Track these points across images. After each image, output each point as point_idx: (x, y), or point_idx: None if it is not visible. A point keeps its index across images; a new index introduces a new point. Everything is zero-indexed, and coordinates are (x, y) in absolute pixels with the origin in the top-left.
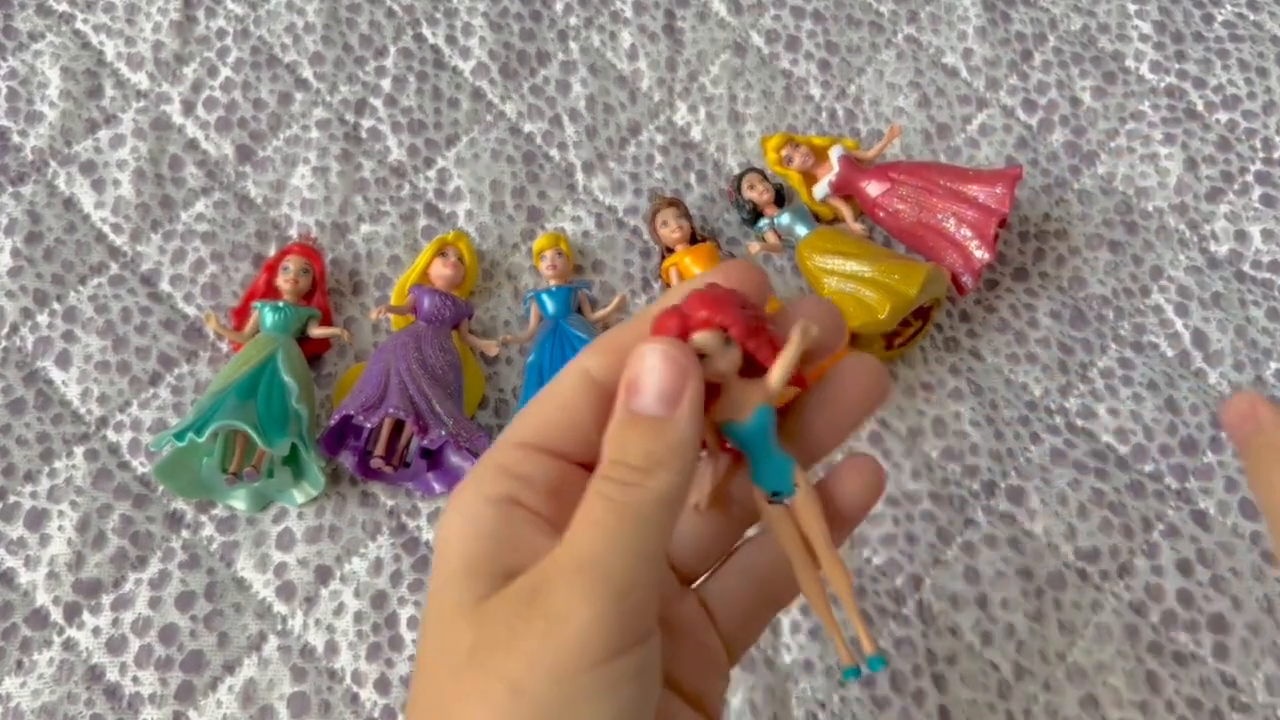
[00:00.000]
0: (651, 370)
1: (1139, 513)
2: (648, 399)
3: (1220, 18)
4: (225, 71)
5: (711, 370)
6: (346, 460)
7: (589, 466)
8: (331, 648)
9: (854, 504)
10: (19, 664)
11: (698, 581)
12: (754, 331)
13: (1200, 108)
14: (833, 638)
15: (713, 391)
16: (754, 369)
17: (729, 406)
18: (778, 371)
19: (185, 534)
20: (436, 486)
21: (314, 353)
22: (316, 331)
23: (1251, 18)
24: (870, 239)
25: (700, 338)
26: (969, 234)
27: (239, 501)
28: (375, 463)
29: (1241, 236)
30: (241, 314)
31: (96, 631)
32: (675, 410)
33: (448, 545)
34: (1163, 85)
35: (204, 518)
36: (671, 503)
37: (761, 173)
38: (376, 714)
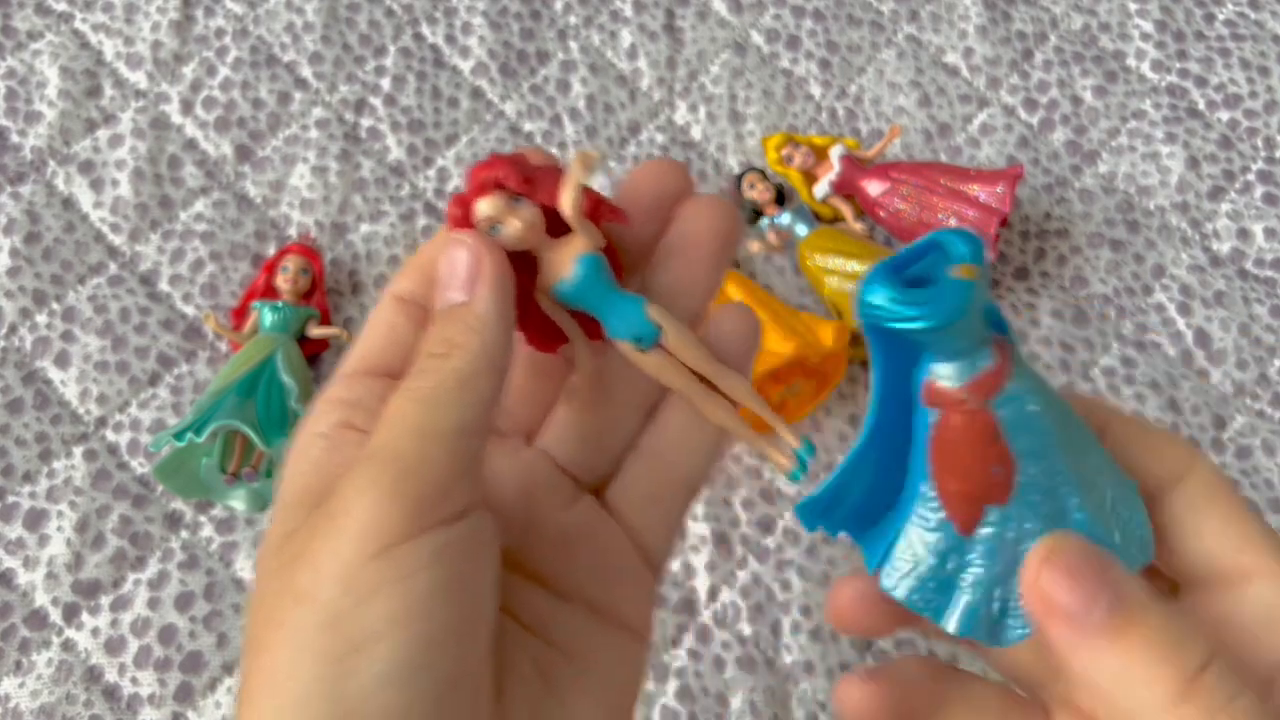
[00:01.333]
0: (445, 263)
1: None
2: (449, 291)
3: (1221, 16)
4: (224, 71)
5: (512, 237)
6: None
7: None
8: None
9: (732, 352)
10: (18, 664)
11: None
12: (532, 178)
13: (1202, 106)
14: (763, 451)
15: (534, 265)
16: (566, 230)
17: (551, 272)
18: (564, 198)
19: (184, 534)
20: None
21: (313, 353)
22: (315, 331)
23: (1253, 16)
24: (871, 238)
25: (483, 206)
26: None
27: (238, 502)
28: None
29: (1244, 235)
30: (240, 314)
31: (95, 632)
32: (472, 291)
33: (280, 486)
34: (1164, 84)
35: (203, 518)
36: (468, 381)
37: (762, 172)
38: None
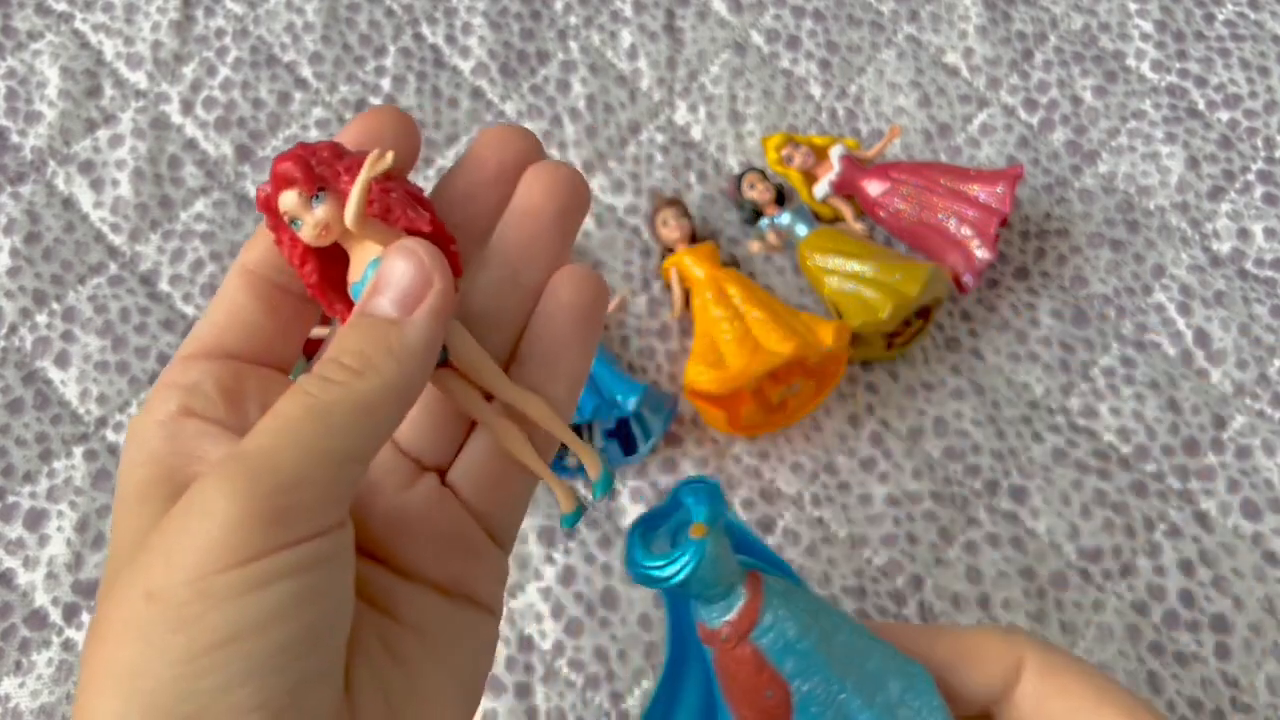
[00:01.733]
0: (393, 270)
1: (1141, 513)
2: (383, 300)
3: (1221, 17)
4: (224, 71)
5: (308, 235)
6: None
7: (281, 369)
8: None
9: (569, 323)
10: (18, 665)
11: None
12: (323, 175)
13: (1202, 106)
14: (549, 483)
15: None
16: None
17: (353, 271)
18: (349, 206)
19: None
20: None
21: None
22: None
23: (1253, 17)
24: (871, 239)
25: (282, 201)
26: (970, 233)
27: None
28: None
29: (1244, 235)
30: None
31: None
32: (410, 314)
33: (119, 477)
34: (1164, 84)
35: None
36: (374, 409)
37: (762, 172)
38: None
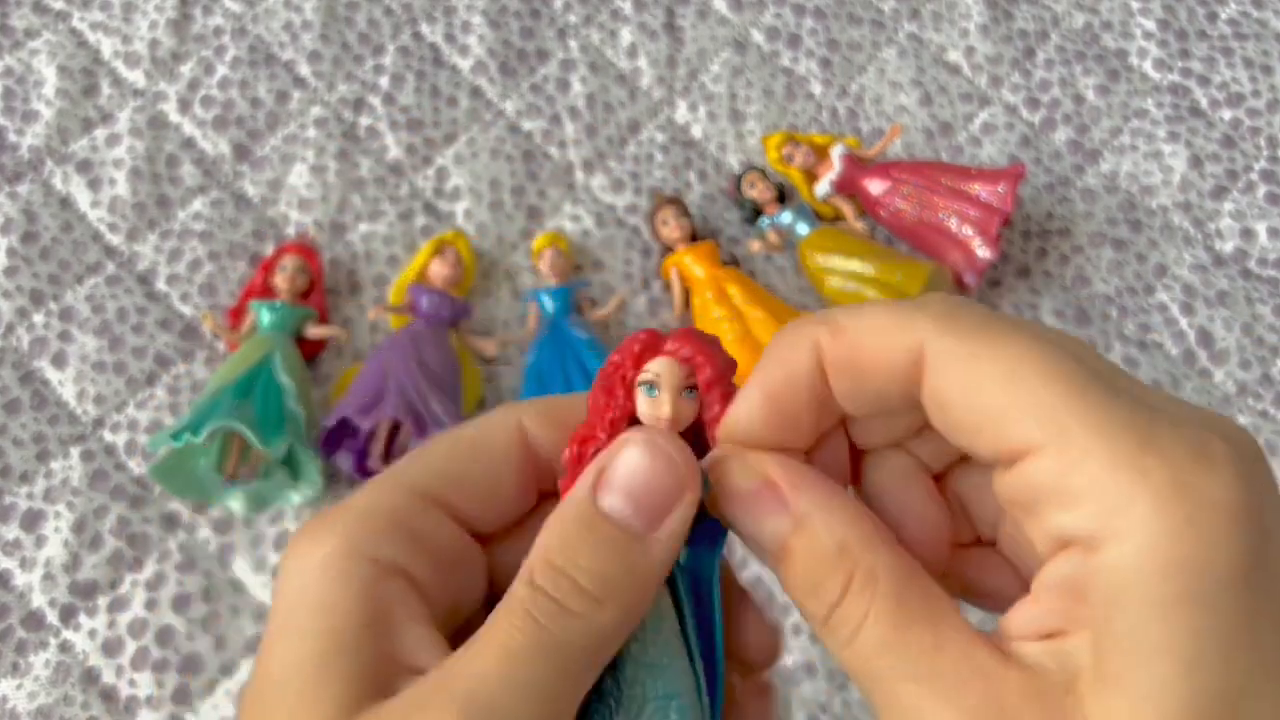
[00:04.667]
0: (637, 464)
1: None
2: (622, 502)
3: (1224, 15)
4: (222, 69)
5: (664, 411)
6: (344, 461)
7: (482, 541)
8: None
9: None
10: (15, 666)
11: None
12: (717, 386)
13: (1204, 105)
14: None
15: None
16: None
17: None
18: (730, 422)
19: (182, 535)
20: None
21: (311, 353)
22: (313, 331)
23: (1255, 15)
24: (872, 238)
25: (660, 364)
26: (972, 232)
27: (235, 503)
28: (373, 463)
29: (1247, 234)
30: (238, 314)
31: (93, 634)
32: (656, 529)
33: (299, 609)
34: (1166, 83)
35: (201, 519)
36: (608, 646)
37: (763, 171)
38: None
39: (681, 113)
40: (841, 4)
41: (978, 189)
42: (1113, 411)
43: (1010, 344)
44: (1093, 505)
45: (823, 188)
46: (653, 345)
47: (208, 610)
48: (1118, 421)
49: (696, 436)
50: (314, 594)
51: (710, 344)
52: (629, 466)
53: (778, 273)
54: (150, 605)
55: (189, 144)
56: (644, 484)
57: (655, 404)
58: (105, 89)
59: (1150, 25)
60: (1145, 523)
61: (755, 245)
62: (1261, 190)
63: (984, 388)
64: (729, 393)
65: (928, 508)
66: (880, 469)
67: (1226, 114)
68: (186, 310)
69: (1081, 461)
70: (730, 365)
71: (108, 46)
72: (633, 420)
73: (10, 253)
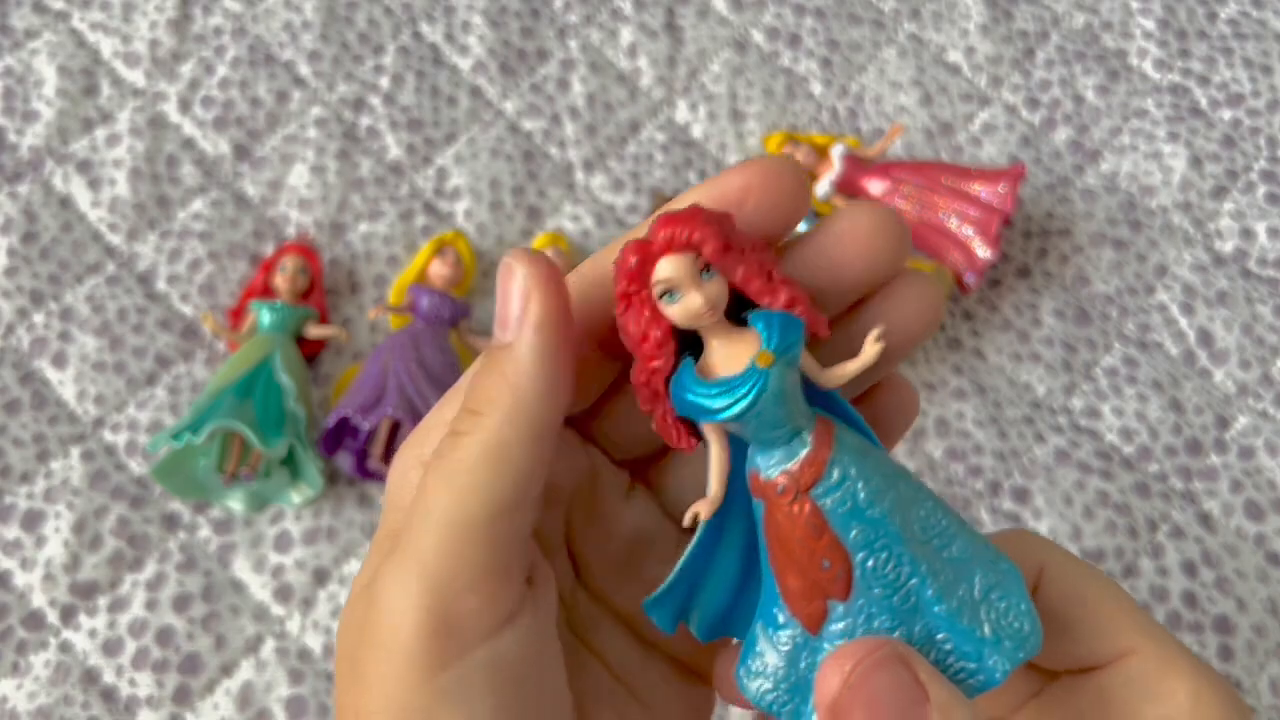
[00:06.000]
0: (499, 289)
1: (1144, 514)
2: (498, 326)
3: (1224, 15)
4: (222, 69)
5: (686, 313)
6: (344, 461)
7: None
8: (329, 650)
9: (887, 428)
10: (15, 666)
11: None
12: (733, 249)
13: (1204, 105)
14: None
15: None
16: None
17: (716, 363)
18: (830, 376)
19: (182, 535)
20: None
21: (311, 352)
22: (314, 331)
23: (1255, 15)
24: None
25: (665, 267)
26: (972, 233)
27: (236, 502)
28: (373, 463)
29: (1246, 234)
30: (238, 314)
31: (93, 634)
32: (512, 332)
33: (383, 513)
34: (1166, 83)
35: (201, 519)
36: (497, 452)
37: None
38: None
39: (682, 112)
40: (842, 4)
41: (978, 189)
42: (1167, 632)
43: (1118, 590)
44: (1183, 697)
45: (823, 188)
46: (645, 252)
47: (208, 610)
48: (1174, 640)
49: (742, 303)
50: (390, 493)
51: (694, 217)
52: (498, 292)
53: None
54: (150, 605)
55: (189, 144)
56: (503, 296)
57: (686, 306)
58: (105, 89)
59: (1150, 25)
60: (1222, 714)
61: None
62: (1261, 190)
63: (1101, 600)
64: (740, 246)
65: None
66: None
67: (1226, 114)
68: (187, 310)
69: (1174, 662)
70: (726, 219)
71: (108, 46)
72: (675, 330)
73: (10, 253)
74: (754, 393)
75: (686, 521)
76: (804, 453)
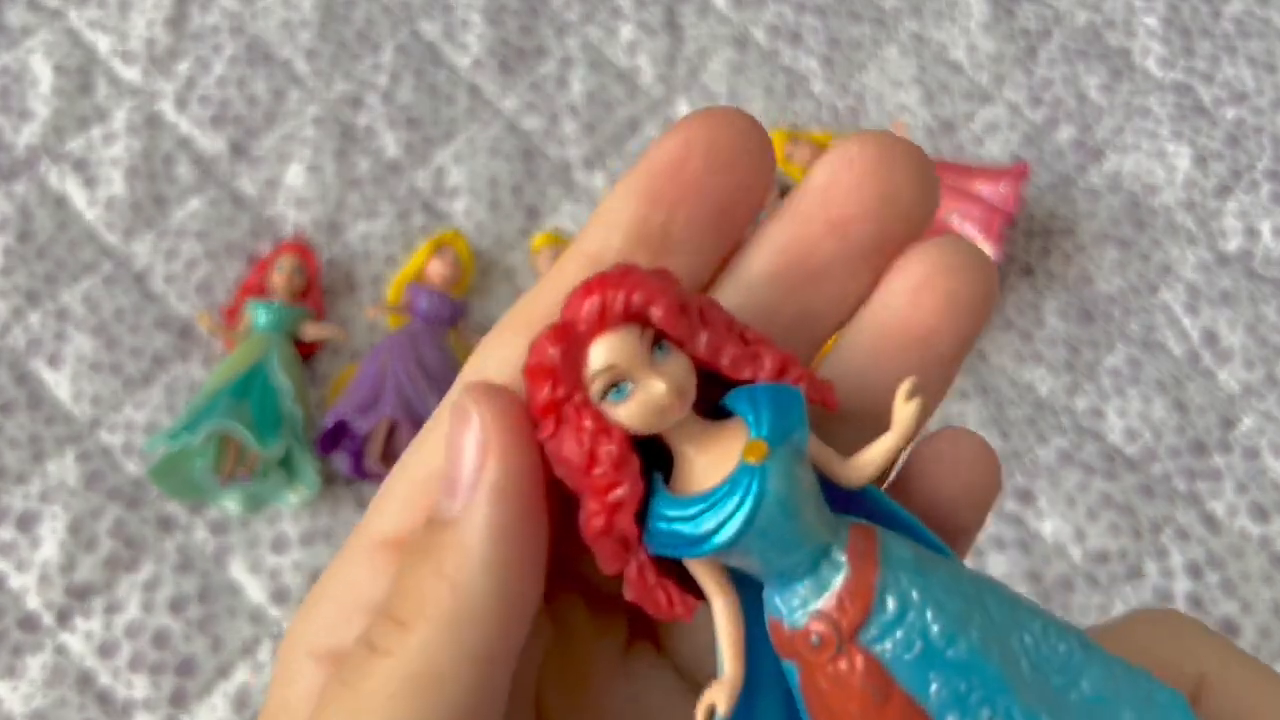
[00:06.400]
0: (448, 441)
1: (1148, 515)
2: (443, 490)
3: (1228, 13)
4: (219, 67)
5: (645, 411)
6: (341, 462)
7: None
8: None
9: (962, 507)
10: (10, 668)
11: None
12: (692, 312)
13: (1208, 104)
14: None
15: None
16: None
17: (694, 476)
18: (857, 467)
19: (179, 537)
20: None
21: (308, 352)
22: (311, 331)
23: (1260, 13)
24: None
25: (604, 351)
26: (975, 232)
27: (232, 504)
28: (370, 464)
29: (1251, 234)
30: (235, 313)
31: (89, 635)
32: (461, 500)
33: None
34: (1170, 81)
35: (197, 520)
36: (424, 685)
37: None
38: None
39: (682, 110)
40: (843, 1)
41: (980, 188)
42: None
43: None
44: None
45: None
46: (569, 338)
47: (204, 612)
48: None
49: (714, 379)
50: (274, 688)
51: (627, 274)
52: (446, 442)
53: None
54: (146, 607)
55: (185, 142)
56: (453, 451)
57: (644, 399)
58: (101, 87)
59: (1153, 23)
60: None
61: None
62: (1266, 189)
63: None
64: (695, 305)
65: None
66: None
67: (1230, 112)
68: (183, 310)
69: None
70: (668, 274)
71: (104, 44)
72: (633, 442)
73: (6, 252)
74: (750, 501)
75: (700, 718)
76: (840, 580)
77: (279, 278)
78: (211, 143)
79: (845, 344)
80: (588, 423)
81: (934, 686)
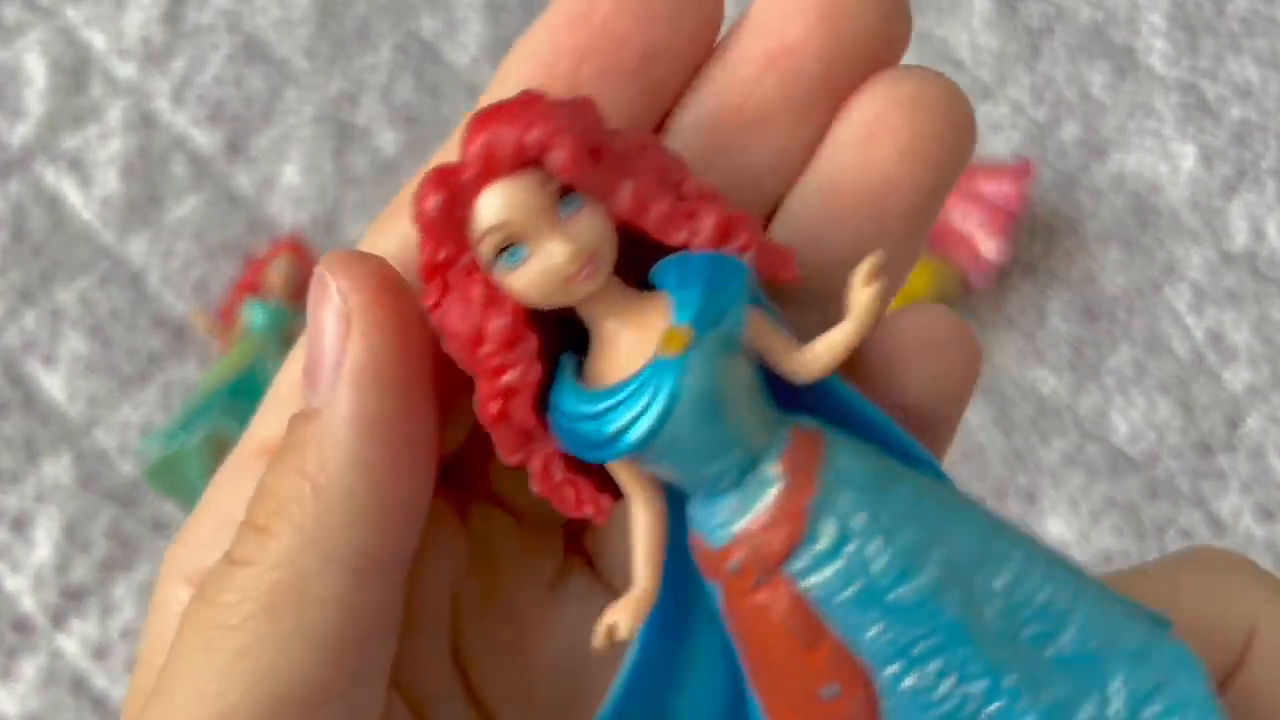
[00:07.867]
0: (310, 322)
1: (1152, 516)
2: (305, 378)
3: (1234, 10)
4: (214, 65)
5: (544, 279)
6: None
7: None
8: None
9: (940, 399)
10: (4, 671)
11: None
12: (611, 156)
13: (1213, 102)
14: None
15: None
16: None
17: (615, 360)
18: (810, 359)
19: (174, 538)
20: None
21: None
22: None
23: (1265, 11)
24: None
25: (492, 203)
26: (978, 231)
27: None
28: None
29: (1257, 232)
30: (231, 313)
31: (84, 638)
32: (323, 391)
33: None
34: (1175, 79)
35: None
36: (285, 603)
37: None
38: None
39: None
40: None
41: (984, 187)
42: None
43: None
44: None
45: None
46: (452, 185)
47: None
48: None
49: (638, 241)
50: (152, 621)
51: (529, 105)
52: (309, 324)
53: None
54: (141, 609)
55: (181, 141)
56: (315, 332)
57: (541, 266)
58: (96, 85)
59: (1158, 20)
60: None
61: None
62: (1271, 187)
63: None
64: (620, 148)
65: None
66: None
67: (1236, 110)
68: (178, 310)
69: None
70: (585, 106)
71: (99, 41)
72: (531, 316)
73: (0, 251)
74: (661, 401)
75: (596, 642)
76: (769, 498)
77: (275, 277)
78: (207, 141)
79: (790, 206)
80: (476, 291)
81: (871, 632)
